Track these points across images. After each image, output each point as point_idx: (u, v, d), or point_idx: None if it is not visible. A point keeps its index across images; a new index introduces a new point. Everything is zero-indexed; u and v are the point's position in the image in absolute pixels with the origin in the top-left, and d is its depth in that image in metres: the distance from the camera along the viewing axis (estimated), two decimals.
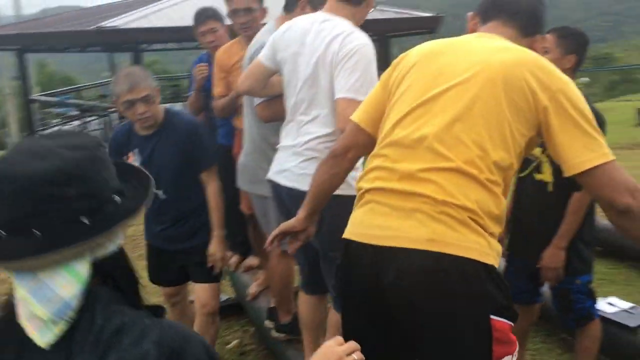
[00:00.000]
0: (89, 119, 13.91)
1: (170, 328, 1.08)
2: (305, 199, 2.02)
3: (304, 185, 2.12)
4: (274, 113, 2.65)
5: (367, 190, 1.69)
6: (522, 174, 2.65)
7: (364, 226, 1.65)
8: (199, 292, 3.01)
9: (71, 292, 1.02)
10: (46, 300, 1.01)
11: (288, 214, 2.36)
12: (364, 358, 1.27)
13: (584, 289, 2.62)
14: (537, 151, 2.56)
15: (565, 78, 1.64)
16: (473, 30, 1.89)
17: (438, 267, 1.51)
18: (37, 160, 1.01)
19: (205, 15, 3.77)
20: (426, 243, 1.52)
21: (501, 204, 1.61)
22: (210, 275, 2.98)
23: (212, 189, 2.93)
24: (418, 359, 1.67)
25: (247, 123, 2.99)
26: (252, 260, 4.13)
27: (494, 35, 1.78)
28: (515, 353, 1.60)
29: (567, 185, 2.38)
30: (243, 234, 3.94)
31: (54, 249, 1.00)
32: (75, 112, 15.31)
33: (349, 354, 1.26)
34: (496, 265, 1.57)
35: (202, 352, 1.09)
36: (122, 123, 3.04)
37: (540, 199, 2.59)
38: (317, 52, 2.31)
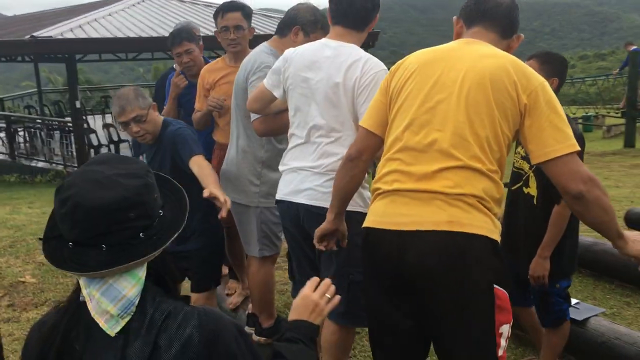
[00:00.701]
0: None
1: (206, 313, 1.29)
2: (331, 204, 2.26)
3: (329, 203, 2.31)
4: (270, 128, 2.86)
5: (387, 190, 1.93)
6: (514, 187, 2.91)
7: (387, 215, 1.90)
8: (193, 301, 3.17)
9: (134, 292, 1.25)
10: (115, 299, 1.23)
11: (303, 231, 2.52)
12: (334, 291, 1.52)
13: (562, 293, 2.87)
14: (526, 166, 2.82)
15: (541, 79, 1.92)
16: (459, 33, 2.14)
17: (456, 244, 1.79)
18: (103, 190, 1.23)
19: (180, 37, 3.88)
20: (446, 225, 1.80)
21: (501, 189, 1.90)
22: (200, 285, 3.14)
23: (203, 165, 2.86)
24: (431, 327, 1.92)
25: (235, 135, 3.15)
26: (232, 284, 4.25)
27: (479, 41, 2.03)
28: (511, 324, 1.87)
29: (549, 199, 2.66)
30: None
31: (123, 262, 1.21)
32: (1, 124, 14.82)
33: (323, 296, 1.50)
34: (499, 241, 1.85)
35: (234, 330, 1.30)
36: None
37: (527, 211, 2.83)
38: (337, 77, 2.43)
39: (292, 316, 1.52)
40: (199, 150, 2.96)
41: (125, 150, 13.36)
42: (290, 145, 2.63)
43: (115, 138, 13.49)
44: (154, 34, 12.13)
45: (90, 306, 1.25)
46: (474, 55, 1.94)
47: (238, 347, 1.28)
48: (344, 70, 2.42)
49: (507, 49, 2.05)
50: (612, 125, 16.84)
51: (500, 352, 1.86)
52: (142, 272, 1.27)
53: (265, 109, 2.77)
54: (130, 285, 1.25)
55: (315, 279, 1.54)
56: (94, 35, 11.77)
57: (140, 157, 3.23)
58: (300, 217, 2.54)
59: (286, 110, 2.70)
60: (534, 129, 1.84)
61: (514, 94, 1.85)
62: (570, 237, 2.81)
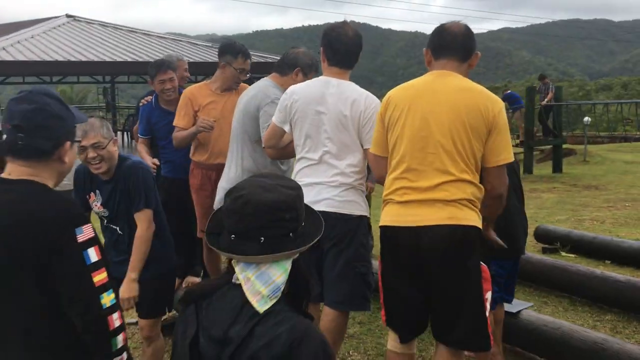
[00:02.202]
0: None
1: (301, 323, 1.49)
2: None
3: (345, 209, 2.85)
4: (280, 154, 3.37)
5: (399, 201, 2.53)
6: None
7: (402, 215, 2.51)
8: (140, 323, 3.29)
9: (281, 279, 1.52)
10: (266, 283, 1.50)
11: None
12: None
13: (497, 278, 3.34)
14: None
15: (500, 103, 2.58)
16: (430, 61, 2.71)
17: (455, 234, 2.44)
18: (268, 192, 1.52)
19: (166, 66, 4.33)
20: (447, 220, 2.44)
21: (482, 189, 2.55)
22: (150, 314, 3.19)
23: (139, 231, 3.02)
24: (438, 298, 2.52)
25: (239, 157, 3.59)
26: (192, 279, 4.61)
27: (450, 73, 2.60)
28: (491, 291, 2.58)
29: None
30: (185, 257, 4.43)
31: (274, 252, 1.50)
32: None
33: None
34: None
35: (320, 344, 1.48)
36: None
37: None
38: (345, 110, 2.95)
39: None
40: (148, 204, 3.03)
41: None
42: (301, 166, 3.09)
43: None
44: (83, 58, 12.19)
45: (245, 287, 1.50)
46: (450, 89, 2.56)
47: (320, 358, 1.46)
48: (349, 105, 2.96)
49: (468, 67, 2.68)
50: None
51: (487, 314, 2.46)
52: (288, 265, 1.52)
53: (280, 142, 3.24)
54: (278, 274, 1.51)
55: None
56: (20, 57, 11.65)
57: (92, 194, 3.11)
58: None
59: (292, 140, 3.17)
60: (492, 142, 2.52)
61: (484, 116, 2.50)
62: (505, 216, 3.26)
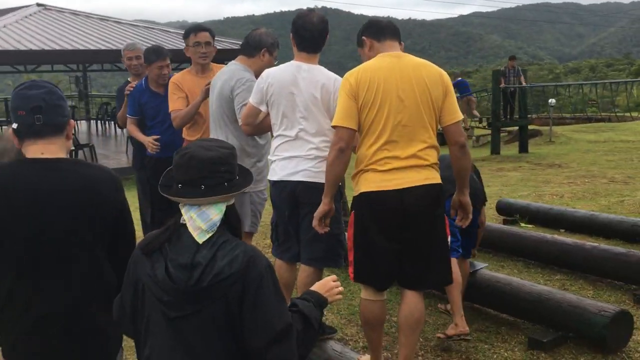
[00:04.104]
0: None
1: (250, 247, 1.89)
2: (327, 189, 3.07)
3: (321, 178, 3.14)
4: (255, 130, 3.66)
5: (382, 170, 2.93)
6: None
7: (386, 180, 2.93)
8: None
9: (217, 218, 1.88)
10: (205, 220, 1.86)
11: (294, 203, 3.37)
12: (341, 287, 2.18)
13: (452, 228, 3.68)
14: None
15: (447, 75, 3.06)
16: (371, 46, 3.12)
17: (430, 190, 2.96)
18: (208, 151, 1.90)
19: (163, 53, 4.72)
20: (424, 180, 2.92)
21: (439, 152, 3.06)
22: None
23: None
24: (414, 246, 2.97)
25: (223, 137, 3.80)
26: None
27: (402, 54, 3.07)
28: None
29: None
30: None
31: (212, 195, 1.87)
32: None
33: (337, 287, 2.17)
34: None
35: (267, 262, 1.89)
36: None
37: None
38: (316, 93, 3.28)
39: (312, 288, 2.12)
40: None
41: None
42: (278, 142, 3.43)
43: None
44: (57, 47, 12.29)
45: (188, 224, 1.86)
46: (412, 67, 2.99)
47: (266, 272, 1.86)
48: (319, 88, 3.30)
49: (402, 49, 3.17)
50: (480, 135, 18.75)
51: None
52: (223, 207, 1.89)
53: (256, 121, 3.56)
54: (215, 213, 1.87)
55: (335, 277, 2.16)
56: None
57: None
58: (296, 192, 3.36)
59: (266, 117, 3.51)
60: (447, 104, 3.00)
61: (441, 83, 2.99)
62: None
